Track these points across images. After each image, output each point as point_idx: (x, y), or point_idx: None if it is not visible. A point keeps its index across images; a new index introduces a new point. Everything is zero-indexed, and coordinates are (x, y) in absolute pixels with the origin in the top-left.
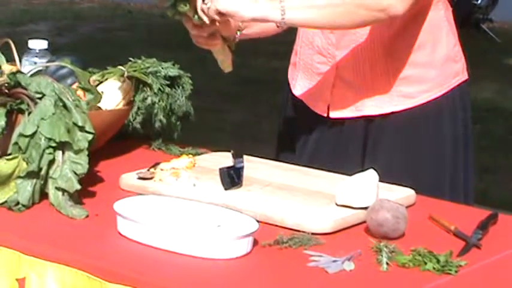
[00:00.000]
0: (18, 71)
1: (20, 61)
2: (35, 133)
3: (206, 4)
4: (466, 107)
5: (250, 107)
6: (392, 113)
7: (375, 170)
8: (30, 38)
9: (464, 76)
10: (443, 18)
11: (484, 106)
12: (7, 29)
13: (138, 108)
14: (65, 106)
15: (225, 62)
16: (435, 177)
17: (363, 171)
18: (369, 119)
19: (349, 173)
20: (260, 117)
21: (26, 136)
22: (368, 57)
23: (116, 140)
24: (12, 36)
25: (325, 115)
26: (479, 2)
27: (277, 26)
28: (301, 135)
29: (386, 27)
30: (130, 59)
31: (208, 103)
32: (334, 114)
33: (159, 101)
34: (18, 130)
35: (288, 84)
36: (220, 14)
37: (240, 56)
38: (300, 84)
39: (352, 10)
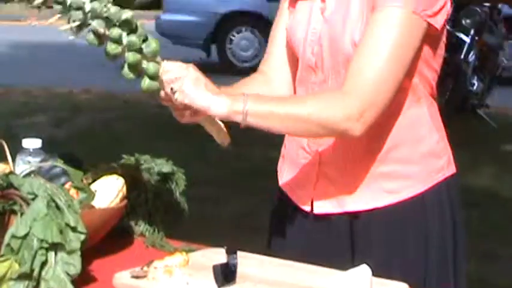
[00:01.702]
0: (11, 172)
1: (14, 159)
2: (27, 234)
3: (174, 93)
4: (453, 201)
5: (247, 197)
6: (377, 208)
7: (367, 264)
8: (29, 131)
9: (450, 171)
10: (426, 114)
11: (481, 192)
12: (6, 122)
13: (132, 205)
14: (57, 207)
15: (220, 133)
16: (423, 271)
17: (354, 266)
18: (353, 215)
19: (342, 268)
20: (257, 207)
21: (19, 237)
22: (349, 154)
23: (110, 238)
24: (10, 129)
25: (309, 210)
26: (475, 87)
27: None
28: (290, 228)
29: None
30: (124, 156)
31: (204, 193)
32: (318, 209)
33: (152, 197)
34: (10, 231)
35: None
36: (187, 106)
37: (236, 146)
38: (286, 178)
39: (311, 128)
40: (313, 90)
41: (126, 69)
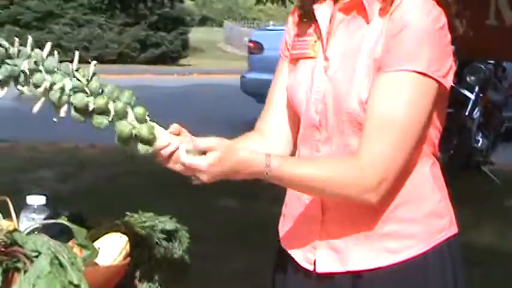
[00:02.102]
0: (15, 230)
1: (18, 216)
2: None
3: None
4: (455, 260)
5: (251, 253)
6: (379, 268)
7: None
8: (34, 186)
9: (452, 231)
10: (429, 174)
11: (484, 249)
12: (11, 177)
13: (135, 263)
14: (60, 264)
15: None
16: None
17: None
18: (356, 274)
19: None
20: (261, 264)
21: None
22: (352, 214)
23: None
24: (15, 184)
25: (312, 269)
26: (479, 144)
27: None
28: (293, 287)
29: None
30: (127, 213)
31: (208, 249)
32: (320, 268)
33: (156, 255)
34: None
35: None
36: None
37: (241, 200)
38: (288, 236)
39: (329, 194)
40: (317, 148)
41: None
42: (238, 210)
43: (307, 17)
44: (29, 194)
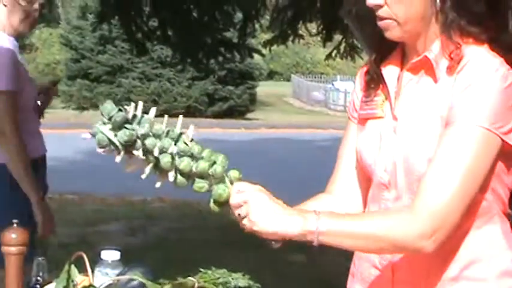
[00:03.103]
0: (91, 285)
1: (93, 271)
2: None
3: (242, 219)
4: None
5: None
6: None
7: None
8: (103, 239)
9: None
10: (500, 232)
11: None
12: (80, 229)
13: None
14: None
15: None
16: None
17: None
18: None
19: None
20: None
21: None
22: (423, 272)
23: None
24: (85, 236)
25: None
26: None
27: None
28: None
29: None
30: (201, 269)
31: None
32: None
33: None
34: None
35: None
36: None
37: (307, 254)
38: None
39: (383, 246)
40: (386, 207)
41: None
42: (306, 265)
43: (374, 78)
44: (102, 249)
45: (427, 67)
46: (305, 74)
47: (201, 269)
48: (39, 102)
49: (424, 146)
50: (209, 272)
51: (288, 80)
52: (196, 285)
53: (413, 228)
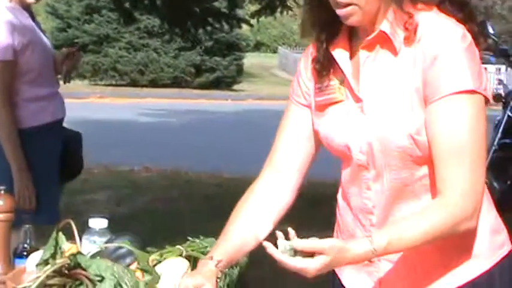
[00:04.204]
0: (79, 252)
1: (80, 239)
2: None
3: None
4: None
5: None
6: None
7: None
8: (89, 208)
9: (510, 245)
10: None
11: None
12: (66, 199)
13: None
14: None
15: None
16: None
17: None
18: None
19: None
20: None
21: None
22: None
23: None
24: (71, 206)
25: None
26: None
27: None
28: None
29: None
30: (189, 238)
31: (263, 273)
32: None
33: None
34: None
35: None
36: None
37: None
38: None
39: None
40: (368, 186)
41: None
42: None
43: (325, 64)
44: (89, 217)
45: (382, 41)
46: (292, 45)
47: (189, 238)
48: (64, 67)
49: (401, 120)
50: (197, 241)
51: (275, 51)
52: (184, 253)
53: (457, 217)
